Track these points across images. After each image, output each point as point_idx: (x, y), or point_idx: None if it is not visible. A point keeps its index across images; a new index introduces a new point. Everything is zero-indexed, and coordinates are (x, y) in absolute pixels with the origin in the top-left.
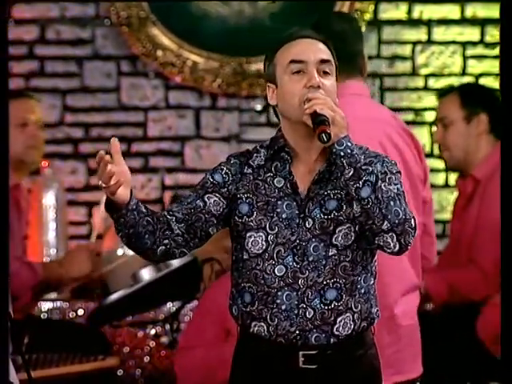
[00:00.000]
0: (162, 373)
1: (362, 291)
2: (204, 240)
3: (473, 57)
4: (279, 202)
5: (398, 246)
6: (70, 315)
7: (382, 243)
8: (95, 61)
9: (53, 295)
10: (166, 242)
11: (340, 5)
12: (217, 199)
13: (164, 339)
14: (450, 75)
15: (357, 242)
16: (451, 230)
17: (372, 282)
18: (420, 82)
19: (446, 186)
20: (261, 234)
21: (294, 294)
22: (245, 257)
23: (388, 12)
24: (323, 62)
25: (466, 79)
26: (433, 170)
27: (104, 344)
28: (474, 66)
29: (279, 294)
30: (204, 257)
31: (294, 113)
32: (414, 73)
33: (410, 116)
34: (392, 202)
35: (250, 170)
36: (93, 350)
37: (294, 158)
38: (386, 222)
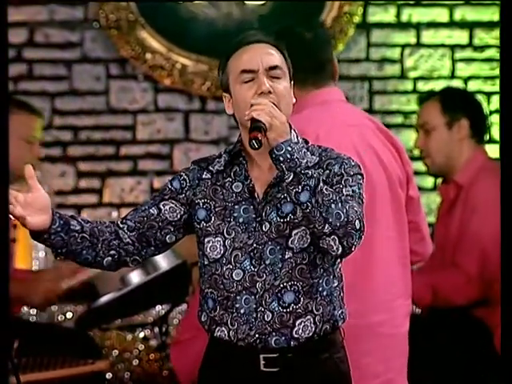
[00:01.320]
0: (150, 376)
1: (324, 294)
2: (161, 248)
3: (461, 60)
4: (236, 207)
5: (340, 248)
6: (59, 318)
7: (325, 246)
8: (84, 64)
9: None
10: (112, 252)
11: (329, 7)
12: (173, 206)
13: (153, 342)
14: (438, 78)
15: (313, 244)
16: (435, 235)
17: (336, 284)
18: (409, 85)
19: (435, 189)
20: (218, 238)
21: (252, 297)
22: (205, 262)
23: (377, 15)
24: (272, 68)
25: (455, 82)
26: (421, 173)
27: (93, 347)
28: (463, 69)
29: (238, 298)
30: (193, 260)
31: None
32: (402, 76)
33: (399, 119)
34: (333, 205)
35: (208, 176)
36: (81, 354)
37: (250, 163)
38: (327, 226)
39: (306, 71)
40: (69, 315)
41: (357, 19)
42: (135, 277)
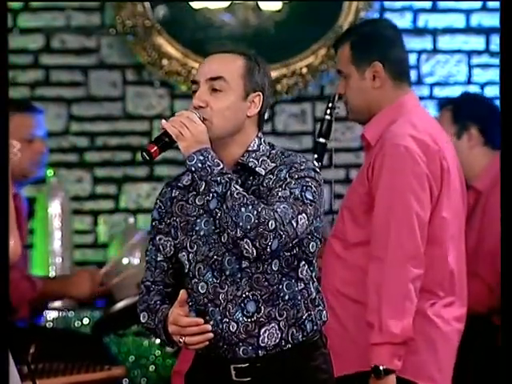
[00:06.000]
0: (167, 382)
1: (287, 298)
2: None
3: (478, 66)
4: (198, 220)
5: (254, 250)
6: (76, 324)
7: (242, 250)
8: (100, 70)
9: (58, 304)
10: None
11: (346, 12)
12: (163, 241)
13: (169, 348)
14: (455, 84)
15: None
16: None
17: (301, 287)
18: (425, 91)
19: None
20: (184, 253)
21: (217, 309)
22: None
23: (393, 21)
24: (212, 79)
25: (472, 88)
26: None
27: (109, 354)
28: (479, 75)
29: (206, 311)
30: None
31: None
32: (419, 81)
33: None
34: (243, 209)
35: (177, 193)
36: (98, 360)
37: None
38: (238, 230)
39: (407, 67)
40: (85, 321)
41: None
42: None
